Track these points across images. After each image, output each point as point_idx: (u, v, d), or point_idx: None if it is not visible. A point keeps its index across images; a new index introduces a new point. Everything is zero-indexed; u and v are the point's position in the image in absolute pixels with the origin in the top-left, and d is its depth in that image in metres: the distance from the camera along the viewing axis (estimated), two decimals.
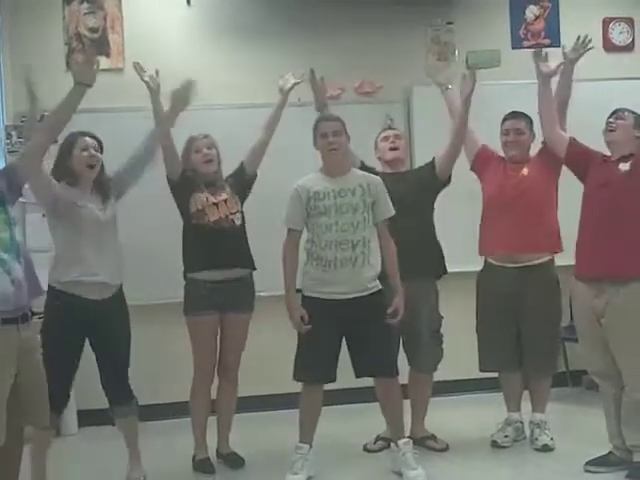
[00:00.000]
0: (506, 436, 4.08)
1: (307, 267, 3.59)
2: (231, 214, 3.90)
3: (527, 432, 4.15)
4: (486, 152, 4.18)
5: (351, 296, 3.50)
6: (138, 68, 3.91)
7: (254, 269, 4.00)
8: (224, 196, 3.91)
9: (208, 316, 3.86)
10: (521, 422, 4.15)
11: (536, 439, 4.04)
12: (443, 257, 4.11)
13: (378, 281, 3.59)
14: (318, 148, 3.77)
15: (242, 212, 3.98)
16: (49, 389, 3.57)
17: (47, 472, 3.57)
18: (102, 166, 3.67)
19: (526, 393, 4.17)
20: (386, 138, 4.16)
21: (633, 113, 3.67)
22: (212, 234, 3.83)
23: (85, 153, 3.58)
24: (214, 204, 3.86)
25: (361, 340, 3.55)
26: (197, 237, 3.88)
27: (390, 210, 3.67)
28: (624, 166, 3.58)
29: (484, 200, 4.13)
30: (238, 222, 3.93)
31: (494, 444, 4.06)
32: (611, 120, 3.66)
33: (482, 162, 4.15)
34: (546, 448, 3.99)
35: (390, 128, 4.38)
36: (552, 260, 4.06)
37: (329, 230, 3.47)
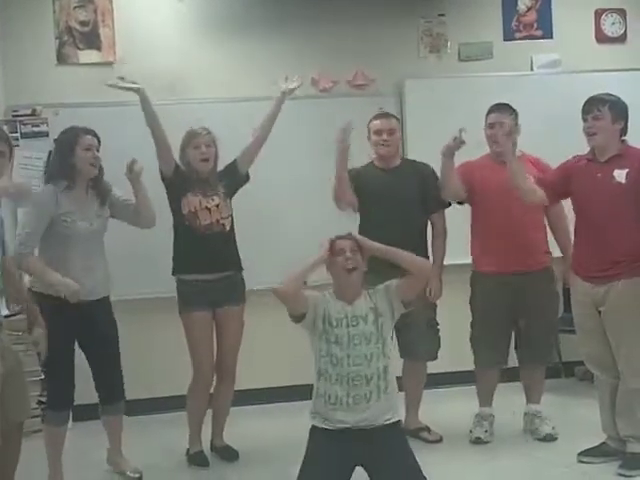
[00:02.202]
0: (486, 431, 4.07)
1: (315, 406, 3.11)
2: (222, 218, 3.89)
3: (522, 424, 4.16)
4: (466, 175, 4.05)
5: (364, 425, 3.02)
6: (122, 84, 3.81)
7: (241, 270, 4.01)
8: (217, 200, 3.89)
9: (201, 312, 3.86)
10: (493, 415, 4.15)
11: (537, 429, 4.05)
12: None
13: (397, 410, 3.15)
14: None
15: (232, 216, 3.96)
16: (51, 389, 3.61)
17: (49, 466, 3.62)
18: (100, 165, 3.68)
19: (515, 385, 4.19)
20: (379, 132, 4.05)
21: (609, 101, 3.56)
22: (203, 238, 3.82)
23: (89, 153, 3.59)
24: (206, 208, 3.85)
25: (382, 473, 3.04)
26: (188, 240, 3.87)
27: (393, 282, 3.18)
28: (619, 175, 3.49)
29: (476, 202, 4.07)
30: (228, 227, 3.92)
31: (477, 440, 4.04)
32: (589, 124, 3.55)
33: (469, 184, 4.05)
34: (550, 437, 3.99)
35: (383, 115, 4.16)
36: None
37: (340, 364, 3.04)
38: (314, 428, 3.08)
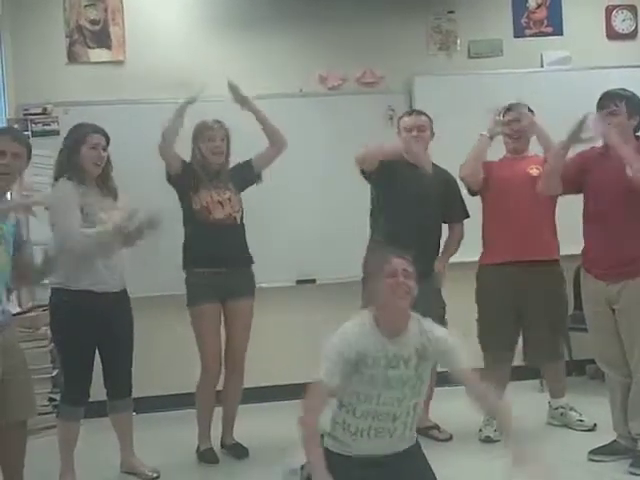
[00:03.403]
0: (495, 430, 4.04)
1: (333, 430, 2.82)
2: (234, 212, 3.91)
3: (547, 418, 4.23)
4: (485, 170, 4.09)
5: (382, 453, 2.75)
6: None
7: (252, 264, 4.02)
8: (228, 194, 3.91)
9: (210, 304, 3.87)
10: None
11: (581, 421, 4.11)
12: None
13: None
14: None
15: (243, 209, 3.98)
16: (68, 383, 3.60)
17: (61, 461, 3.62)
18: (108, 160, 3.67)
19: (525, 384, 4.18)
20: (409, 129, 4.01)
21: (625, 96, 3.54)
22: (215, 232, 3.83)
23: (94, 152, 3.57)
24: (219, 202, 3.87)
25: None
26: (200, 234, 3.88)
27: (462, 360, 2.73)
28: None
29: (491, 196, 4.09)
30: (239, 220, 3.94)
31: (487, 439, 4.03)
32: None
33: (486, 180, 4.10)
34: (595, 426, 4.07)
35: (412, 112, 4.15)
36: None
37: (368, 401, 2.69)
38: (328, 451, 2.74)
